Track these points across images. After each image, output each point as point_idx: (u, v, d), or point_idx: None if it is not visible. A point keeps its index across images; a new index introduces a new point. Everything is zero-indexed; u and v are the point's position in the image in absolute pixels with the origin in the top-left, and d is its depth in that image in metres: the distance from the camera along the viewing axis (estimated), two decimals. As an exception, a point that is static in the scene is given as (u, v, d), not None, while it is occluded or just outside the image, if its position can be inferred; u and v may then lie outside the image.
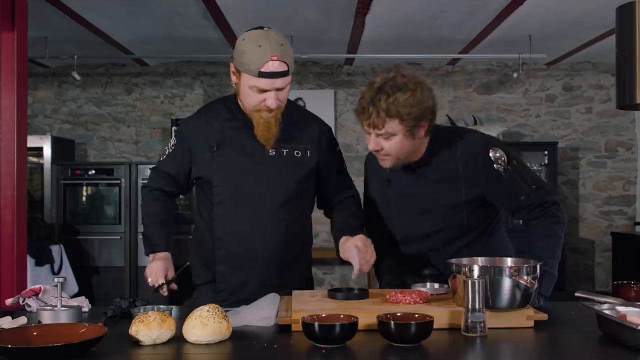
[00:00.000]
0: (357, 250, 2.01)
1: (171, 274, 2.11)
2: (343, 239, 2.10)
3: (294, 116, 2.15)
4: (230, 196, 2.09)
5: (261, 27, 2.00)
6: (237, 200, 2.09)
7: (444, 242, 2.07)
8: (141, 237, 2.53)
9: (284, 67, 1.96)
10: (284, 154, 2.11)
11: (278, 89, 1.98)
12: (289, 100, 2.13)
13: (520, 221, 2.21)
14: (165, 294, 2.08)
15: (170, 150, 2.18)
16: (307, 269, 2.29)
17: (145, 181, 2.30)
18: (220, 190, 2.10)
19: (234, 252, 2.10)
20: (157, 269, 2.09)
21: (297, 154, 2.13)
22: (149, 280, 2.09)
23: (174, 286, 2.09)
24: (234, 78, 2.06)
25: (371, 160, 2.20)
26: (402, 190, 2.10)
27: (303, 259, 2.24)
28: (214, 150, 2.09)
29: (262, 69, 1.94)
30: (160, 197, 2.22)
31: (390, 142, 1.93)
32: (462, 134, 2.07)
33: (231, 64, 2.05)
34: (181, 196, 2.41)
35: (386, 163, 2.00)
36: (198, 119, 2.18)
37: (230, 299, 2.07)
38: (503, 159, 1.95)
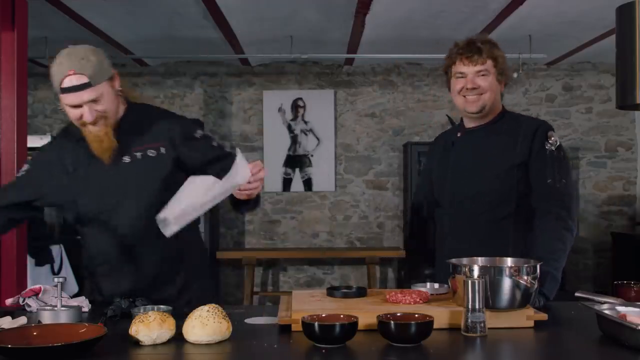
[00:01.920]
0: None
1: None
2: None
3: (140, 118, 2.12)
4: (97, 213, 2.08)
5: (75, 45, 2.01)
6: (104, 215, 2.08)
7: (489, 205, 2.17)
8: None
9: (83, 80, 1.92)
10: (138, 157, 2.08)
11: (91, 102, 1.95)
12: (138, 104, 2.13)
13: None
14: None
15: (21, 175, 2.17)
16: (203, 263, 2.27)
17: None
18: (85, 210, 2.09)
19: (111, 262, 2.10)
20: None
21: (152, 153, 2.08)
22: None
23: None
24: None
25: (437, 140, 2.49)
26: (463, 150, 2.27)
27: (191, 253, 2.19)
28: (71, 173, 2.09)
29: (62, 85, 1.94)
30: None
31: (487, 80, 2.17)
32: (531, 116, 2.40)
33: None
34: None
35: (477, 104, 2.18)
36: (51, 149, 2.18)
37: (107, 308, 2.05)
38: (556, 144, 2.16)
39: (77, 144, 2.10)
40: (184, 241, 2.12)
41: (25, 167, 2.18)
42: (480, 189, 2.19)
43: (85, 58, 1.94)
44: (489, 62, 2.16)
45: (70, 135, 2.14)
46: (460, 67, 2.17)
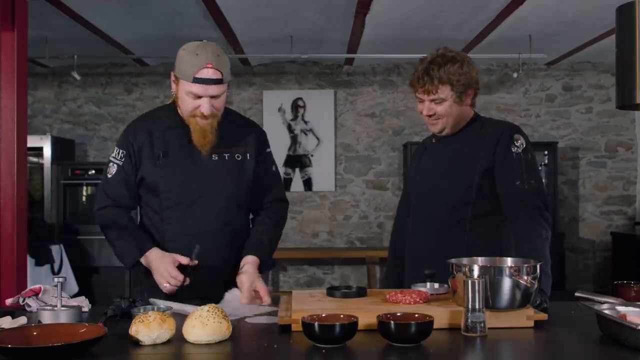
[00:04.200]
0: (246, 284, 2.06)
1: (184, 260, 2.07)
2: (244, 265, 2.13)
3: (232, 122, 2.23)
4: (179, 201, 2.15)
5: (201, 40, 2.14)
6: (185, 204, 2.15)
7: (447, 209, 2.21)
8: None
9: (218, 75, 2.05)
10: (226, 158, 2.19)
11: (213, 97, 2.06)
12: (226, 108, 2.20)
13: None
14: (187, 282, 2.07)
15: (120, 163, 2.18)
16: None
17: None
18: (168, 195, 2.15)
19: (185, 253, 2.10)
20: (169, 268, 2.05)
21: (238, 157, 2.21)
22: (166, 285, 2.05)
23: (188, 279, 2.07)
24: (173, 86, 2.15)
25: (421, 143, 2.51)
26: (433, 156, 2.33)
27: (239, 259, 2.21)
28: (160, 158, 2.15)
29: (197, 75, 2.03)
30: (120, 211, 2.22)
31: (442, 106, 2.19)
32: (501, 120, 2.40)
33: (172, 73, 2.14)
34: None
35: (437, 127, 2.24)
36: (141, 126, 2.21)
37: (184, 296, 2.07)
38: (522, 146, 2.17)
39: (166, 131, 2.18)
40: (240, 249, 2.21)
41: (122, 152, 2.19)
42: (441, 194, 2.24)
43: (220, 55, 2.08)
44: (444, 88, 2.15)
45: (156, 121, 2.21)
46: (418, 94, 2.22)
